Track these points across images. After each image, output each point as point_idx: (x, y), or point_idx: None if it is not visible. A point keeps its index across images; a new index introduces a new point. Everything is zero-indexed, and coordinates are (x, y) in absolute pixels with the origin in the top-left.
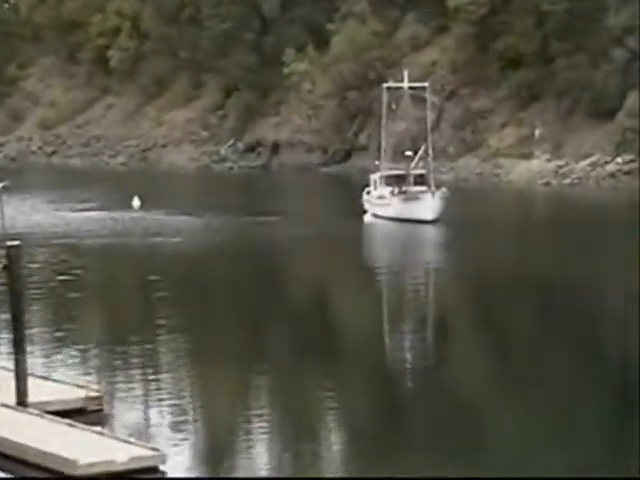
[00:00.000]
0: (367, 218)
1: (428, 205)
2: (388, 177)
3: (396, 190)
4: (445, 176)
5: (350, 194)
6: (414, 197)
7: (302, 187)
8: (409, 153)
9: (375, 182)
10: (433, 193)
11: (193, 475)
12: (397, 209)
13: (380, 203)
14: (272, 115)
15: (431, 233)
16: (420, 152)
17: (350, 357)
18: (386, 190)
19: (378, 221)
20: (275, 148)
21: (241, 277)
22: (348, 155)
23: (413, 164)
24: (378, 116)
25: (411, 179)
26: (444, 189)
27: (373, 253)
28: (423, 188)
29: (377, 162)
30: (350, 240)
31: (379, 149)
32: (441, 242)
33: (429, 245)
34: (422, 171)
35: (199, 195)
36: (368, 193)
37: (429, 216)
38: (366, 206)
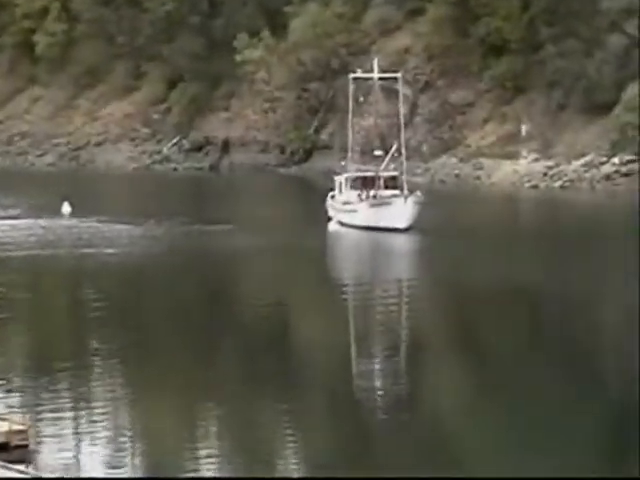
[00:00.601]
0: (331, 226)
1: (400, 211)
2: (355, 179)
3: (364, 194)
4: (420, 178)
5: (312, 199)
6: (384, 202)
7: (257, 191)
8: (379, 152)
9: (340, 185)
10: (406, 198)
11: None
12: (365, 216)
13: (346, 209)
14: (222, 109)
15: (404, 243)
16: (391, 151)
17: (311, 386)
18: (353, 194)
19: (344, 230)
20: (225, 147)
21: (185, 295)
22: (309, 154)
23: (383, 165)
24: (343, 110)
25: (381, 182)
26: (418, 193)
27: (338, 267)
28: (395, 192)
29: (343, 162)
30: (312, 252)
31: (345, 148)
32: (415, 254)
33: (401, 257)
34: (394, 173)
35: (138, 200)
36: (332, 198)
37: (401, 224)
38: (330, 212)
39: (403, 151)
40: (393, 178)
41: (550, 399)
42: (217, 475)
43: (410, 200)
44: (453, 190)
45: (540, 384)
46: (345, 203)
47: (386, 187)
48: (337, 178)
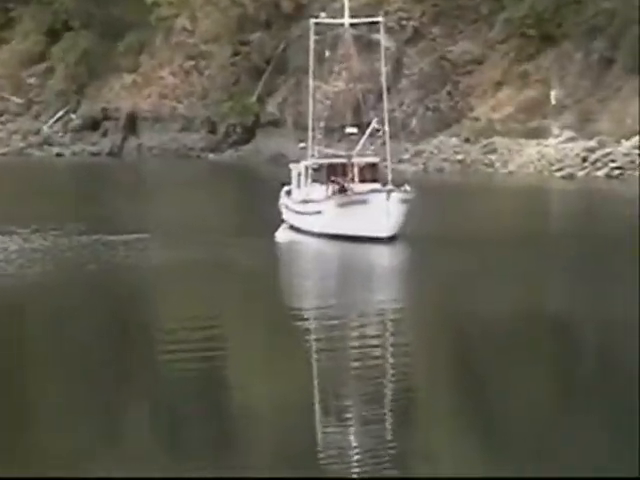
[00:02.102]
0: (284, 234)
1: (381, 214)
2: (319, 169)
3: (331, 189)
4: (409, 166)
5: (256, 196)
6: (359, 201)
7: (179, 186)
8: (352, 130)
9: (298, 177)
10: (389, 194)
11: None
12: (332, 220)
13: (306, 210)
14: (127, 70)
15: (385, 259)
16: (369, 128)
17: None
18: (316, 189)
19: (302, 239)
20: (131, 123)
21: (79, 337)
22: (251, 134)
23: (358, 147)
24: (300, 71)
25: (355, 171)
26: (407, 187)
27: (290, 294)
28: (374, 186)
29: (301, 145)
30: (254, 272)
31: (302, 124)
32: (401, 274)
33: (381, 280)
34: (373, 159)
35: (10, 200)
36: (287, 194)
37: (383, 231)
38: (285, 215)
39: (386, 128)
40: (372, 166)
41: None
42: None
43: (395, 197)
44: (455, 182)
45: (574, 457)
46: (305, 202)
47: (362, 179)
48: (294, 167)
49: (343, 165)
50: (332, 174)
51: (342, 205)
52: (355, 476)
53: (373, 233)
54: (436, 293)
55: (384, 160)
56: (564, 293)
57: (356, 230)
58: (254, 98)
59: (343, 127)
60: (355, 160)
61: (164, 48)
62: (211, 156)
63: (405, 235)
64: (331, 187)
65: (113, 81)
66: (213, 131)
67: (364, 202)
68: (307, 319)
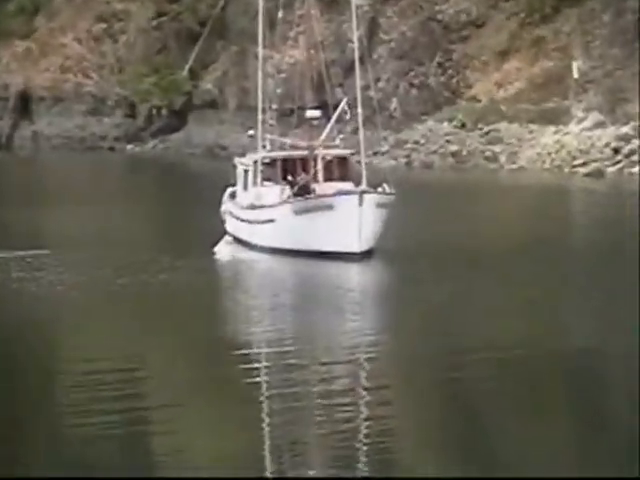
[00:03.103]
0: (226, 250)
1: (352, 222)
2: (272, 164)
3: (287, 191)
4: (388, 159)
5: (190, 199)
6: (324, 205)
7: (86, 187)
8: (314, 113)
9: (245, 175)
10: (362, 196)
11: None
12: (289, 231)
13: (255, 218)
14: (16, 35)
15: (356, 283)
16: (337, 111)
17: None
18: (268, 191)
19: (250, 256)
20: (24, 104)
21: None
22: (181, 118)
23: (323, 136)
24: (245, 36)
25: (319, 167)
26: (386, 187)
27: (236, 330)
28: (343, 186)
29: (249, 132)
30: (185, 300)
31: (249, 105)
32: (375, 304)
33: (350, 311)
34: (342, 151)
35: None
36: (232, 197)
37: (354, 245)
38: (228, 225)
39: (358, 110)
40: (341, 160)
41: None
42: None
43: (370, 201)
44: (447, 182)
45: None
46: (253, 207)
47: (328, 177)
48: (239, 162)
49: (303, 159)
50: (289, 171)
51: (302, 211)
52: None
53: (341, 248)
54: (419, 325)
55: (356, 153)
56: (577, 326)
57: (319, 244)
58: (185, 72)
59: (302, 109)
60: (319, 152)
61: (66, 7)
62: (129, 148)
63: (383, 250)
64: (287, 188)
65: (0, 50)
66: (131, 115)
67: (330, 207)
68: (254, 359)
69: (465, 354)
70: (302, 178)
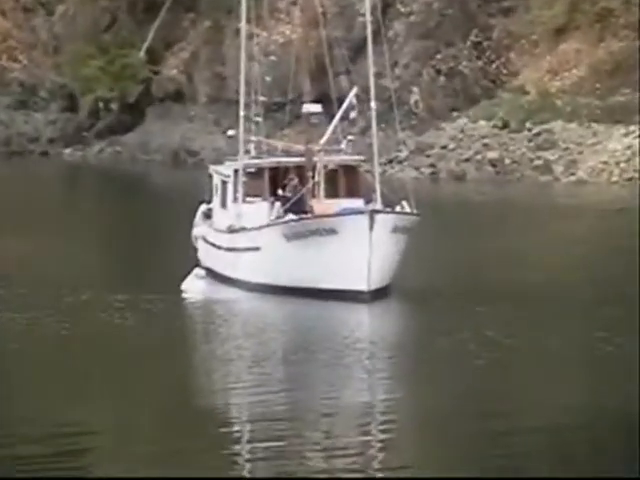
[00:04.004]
0: (197, 286)
1: (359, 251)
2: (257, 174)
3: (277, 209)
4: (408, 169)
5: (151, 221)
6: (324, 229)
7: (12, 205)
8: (313, 108)
9: (223, 187)
10: (374, 217)
11: None
12: (280, 262)
13: (235, 245)
14: None
15: (364, 334)
16: (344, 106)
17: None
18: (253, 210)
19: (227, 294)
20: None
21: None
22: (136, 114)
23: (325, 138)
24: (221, 8)
25: (319, 178)
26: (405, 205)
27: (209, 398)
28: (350, 204)
29: (229, 132)
30: (142, 356)
31: (226, 98)
32: (390, 364)
33: (357, 374)
34: (349, 157)
35: None
36: (206, 218)
37: (362, 281)
38: (201, 253)
39: (372, 104)
40: (348, 170)
41: None
42: None
43: (384, 223)
44: (485, 198)
45: None
46: (233, 231)
47: (331, 192)
48: (216, 171)
49: (298, 168)
50: (280, 183)
51: (295, 236)
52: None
53: (346, 285)
54: (451, 397)
55: (367, 160)
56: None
57: (318, 280)
58: (141, 53)
59: (298, 103)
60: (319, 159)
61: None
62: (68, 153)
63: (401, 288)
64: (277, 205)
65: None
66: (71, 110)
67: (332, 232)
68: (235, 436)
69: (516, 437)
70: (292, 187)
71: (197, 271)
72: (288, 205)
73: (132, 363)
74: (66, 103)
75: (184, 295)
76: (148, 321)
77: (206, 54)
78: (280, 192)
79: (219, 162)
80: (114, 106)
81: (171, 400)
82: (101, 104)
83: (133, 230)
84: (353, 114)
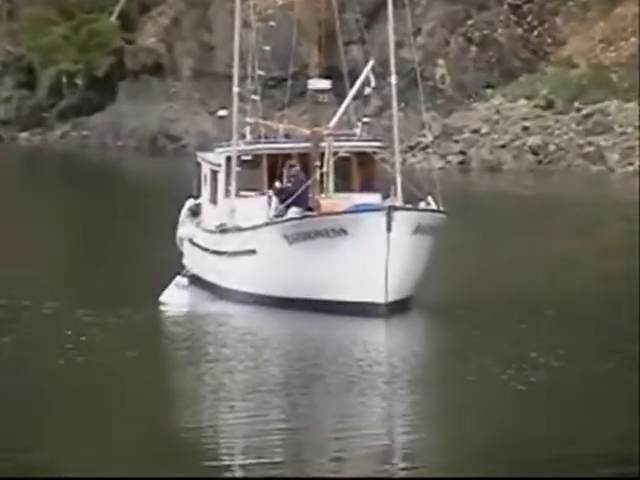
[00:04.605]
0: (178, 297)
1: (375, 256)
2: (254, 162)
3: (276, 204)
4: (434, 157)
5: (126, 219)
6: (332, 229)
7: None
8: (320, 84)
9: (213, 179)
10: (392, 215)
11: None
12: (278, 267)
13: (227, 248)
14: None
15: (382, 356)
16: (360, 80)
17: None
18: (248, 205)
19: (216, 308)
20: None
21: None
22: (105, 91)
23: (335, 119)
24: None
25: (328, 167)
26: (431, 201)
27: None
28: (365, 197)
29: (221, 112)
30: (114, 382)
31: (214, 72)
32: (412, 392)
33: (373, 406)
34: (365, 143)
35: None
36: (193, 215)
37: (377, 292)
38: (187, 257)
39: (392, 79)
40: (363, 158)
41: None
42: None
43: (405, 223)
44: (526, 192)
45: None
46: (224, 231)
47: (342, 184)
48: (204, 159)
49: (303, 156)
50: (280, 174)
51: (298, 237)
52: None
53: (359, 296)
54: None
55: (385, 147)
56: None
57: (325, 290)
58: (113, 18)
59: (302, 78)
60: (328, 145)
61: None
62: (24, 137)
63: (425, 301)
64: (277, 200)
65: None
66: (28, 85)
67: (342, 232)
68: None
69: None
70: (291, 177)
71: (179, 280)
72: (290, 200)
73: (97, 392)
74: (22, 78)
75: (164, 309)
76: (120, 341)
77: (190, 19)
78: (277, 183)
79: (207, 148)
80: (79, 81)
81: (144, 438)
82: (64, 79)
83: (104, 230)
84: (368, 90)
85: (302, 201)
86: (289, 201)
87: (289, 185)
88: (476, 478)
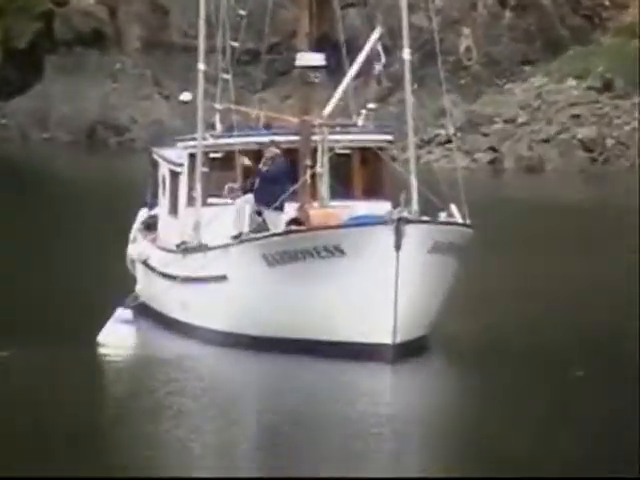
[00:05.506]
0: (122, 335)
1: (380, 283)
2: (224, 161)
3: (252, 214)
4: (457, 154)
5: (57, 233)
6: (324, 247)
7: None
8: (313, 59)
9: (173, 182)
10: (402, 229)
11: None
12: (255, 298)
13: (189, 272)
14: None
15: (387, 419)
16: (363, 52)
17: None
18: (217, 215)
19: (176, 350)
20: None
21: None
22: (28, 67)
23: (331, 104)
24: None
25: (322, 169)
26: (453, 210)
27: None
28: (369, 206)
29: (184, 95)
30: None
31: (165, 41)
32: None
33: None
34: (370, 137)
35: None
36: (149, 228)
37: (382, 331)
38: (140, 282)
39: (405, 54)
40: (368, 155)
41: None
42: None
43: (419, 239)
44: (574, 198)
45: None
46: (187, 250)
47: (339, 190)
48: (164, 157)
49: (289, 152)
50: (258, 175)
51: (281, 259)
52: None
53: (359, 336)
54: None
55: (396, 141)
56: None
57: (316, 327)
58: None
59: (286, 51)
60: (321, 139)
61: None
62: None
63: (446, 340)
64: (253, 208)
65: None
66: None
67: (338, 251)
68: None
69: None
70: (270, 159)
71: (120, 313)
72: (270, 210)
73: (9, 460)
74: None
75: (102, 351)
76: (40, 393)
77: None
78: (236, 184)
79: (166, 143)
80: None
81: None
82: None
83: (27, 248)
84: (378, 67)
85: (274, 198)
86: (271, 212)
87: (264, 170)
88: (476, 478)
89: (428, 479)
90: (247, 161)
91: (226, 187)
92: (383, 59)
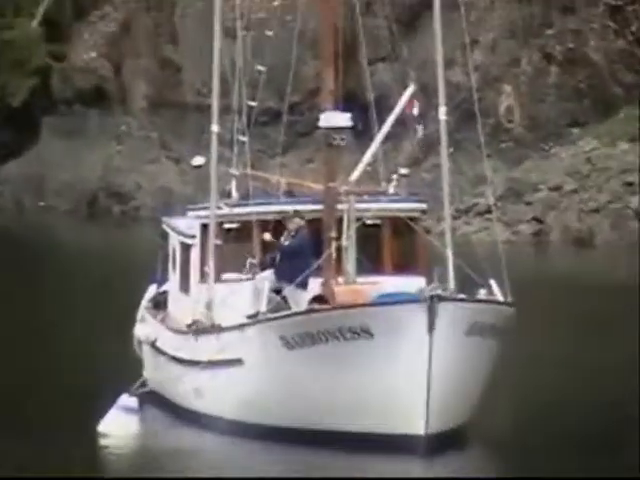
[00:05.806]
0: (122, 426)
1: (410, 369)
2: (241, 232)
3: (270, 293)
4: (497, 226)
5: (57, 312)
6: (350, 329)
7: None
8: (339, 119)
9: (184, 256)
10: (435, 308)
11: None
12: (274, 384)
13: (201, 355)
14: None
15: None
16: (394, 113)
17: None
18: (232, 292)
19: (186, 441)
20: None
21: None
22: (23, 127)
23: (359, 170)
24: None
25: (349, 241)
26: (494, 288)
27: None
28: (400, 282)
29: (196, 160)
30: None
31: (175, 100)
32: None
33: None
34: (401, 205)
35: None
36: (157, 306)
37: (413, 421)
38: (148, 368)
39: (442, 113)
40: (399, 226)
41: None
42: None
43: (454, 320)
44: (628, 277)
45: None
46: (199, 332)
47: (368, 265)
48: (174, 228)
49: (312, 222)
50: (279, 249)
51: (302, 341)
52: None
53: (390, 426)
54: None
55: (429, 210)
56: None
57: (341, 417)
58: (35, 23)
59: (308, 111)
60: (348, 208)
61: None
62: None
63: (486, 432)
64: (269, 282)
65: None
66: None
67: (365, 333)
68: None
69: None
70: (294, 231)
71: (125, 400)
72: (292, 291)
73: None
74: None
75: (103, 441)
76: None
77: (144, 26)
78: (254, 259)
79: (177, 213)
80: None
81: None
82: None
83: (23, 327)
84: (420, 132)
85: (297, 274)
86: (291, 289)
87: (286, 244)
88: (476, 478)
89: (428, 479)
90: (269, 237)
91: (247, 262)
92: (422, 124)
